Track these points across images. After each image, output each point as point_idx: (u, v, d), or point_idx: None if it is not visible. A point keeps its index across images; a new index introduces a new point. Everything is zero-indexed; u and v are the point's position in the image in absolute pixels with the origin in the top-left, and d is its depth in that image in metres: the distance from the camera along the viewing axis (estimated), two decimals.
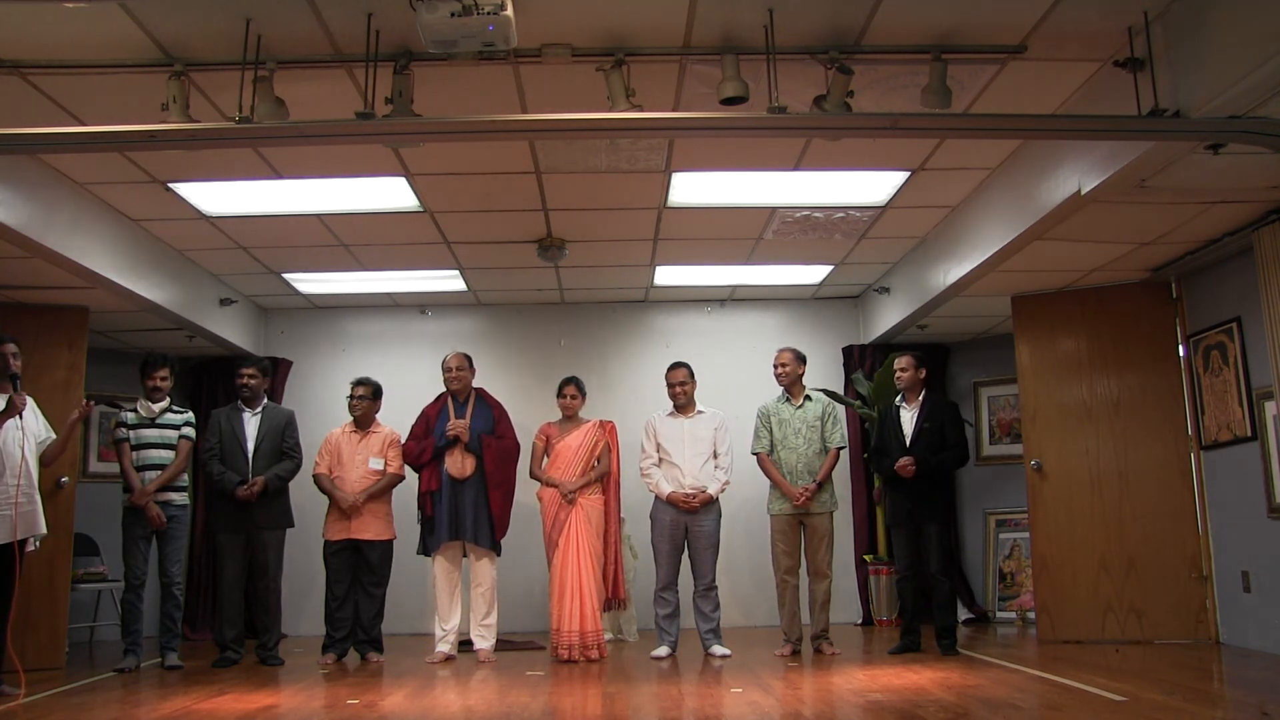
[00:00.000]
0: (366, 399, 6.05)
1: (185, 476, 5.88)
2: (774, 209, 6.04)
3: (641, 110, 3.89)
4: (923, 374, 5.90)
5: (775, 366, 6.05)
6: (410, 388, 6.91)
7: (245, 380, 5.93)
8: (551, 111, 4.29)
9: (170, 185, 5.39)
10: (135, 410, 5.82)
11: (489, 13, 3.34)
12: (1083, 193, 4.55)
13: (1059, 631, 6.23)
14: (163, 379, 5.83)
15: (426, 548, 5.85)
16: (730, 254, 6.99)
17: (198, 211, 5.80)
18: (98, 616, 7.29)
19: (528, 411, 6.87)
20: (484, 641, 5.84)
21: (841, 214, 6.14)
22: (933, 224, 6.37)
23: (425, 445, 5.87)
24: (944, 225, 6.32)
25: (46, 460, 5.09)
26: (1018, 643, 6.35)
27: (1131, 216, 5.14)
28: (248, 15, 3.68)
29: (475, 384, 6.09)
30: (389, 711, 4.15)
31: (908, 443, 5.74)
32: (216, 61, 3.93)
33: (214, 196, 5.62)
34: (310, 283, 7.52)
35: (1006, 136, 4.80)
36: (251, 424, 5.90)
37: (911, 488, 5.69)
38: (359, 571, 5.90)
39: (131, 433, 5.73)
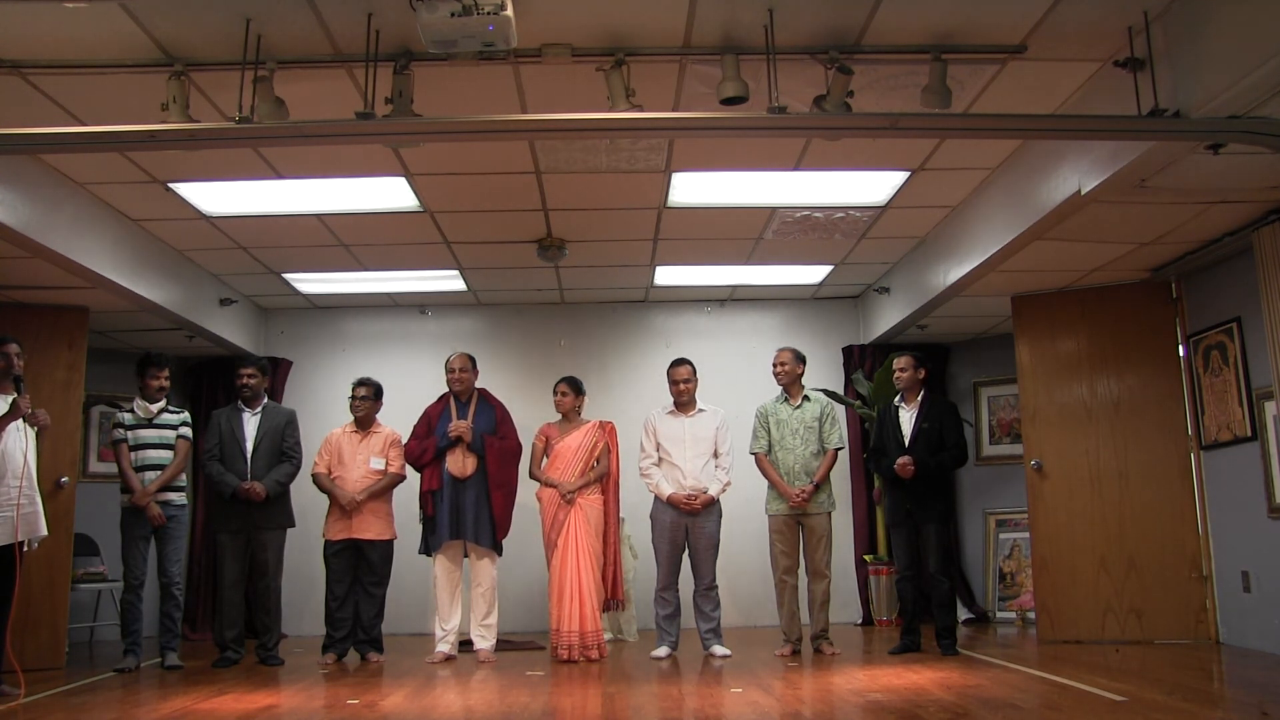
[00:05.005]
0: (368, 399, 6.05)
1: (184, 476, 5.88)
2: (774, 209, 6.04)
3: (641, 110, 3.89)
4: (922, 374, 5.89)
5: (774, 366, 6.04)
6: (410, 388, 6.92)
7: (245, 380, 5.93)
8: (551, 111, 4.30)
9: (170, 185, 5.39)
10: (132, 410, 5.81)
11: (489, 13, 3.34)
12: (1083, 193, 4.55)
13: (1059, 631, 6.23)
14: (165, 378, 5.83)
15: (428, 547, 5.85)
16: (730, 254, 6.99)
17: (198, 211, 5.80)
18: (98, 616, 7.29)
19: (528, 412, 6.87)
20: (484, 641, 5.84)
21: (841, 214, 6.14)
22: (933, 224, 6.37)
23: (427, 445, 5.86)
24: (944, 225, 6.32)
25: None
26: (1018, 643, 6.35)
27: (1131, 216, 5.14)
28: (248, 15, 3.68)
29: (477, 384, 6.09)
30: (389, 711, 4.15)
31: (906, 443, 5.73)
32: (216, 61, 3.93)
33: (214, 196, 5.62)
34: (310, 283, 7.52)
35: (1006, 136, 4.80)
36: (251, 424, 5.89)
37: (911, 488, 5.69)
38: (359, 571, 5.90)
39: (129, 433, 5.73)
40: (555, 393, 6.02)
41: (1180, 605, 6.04)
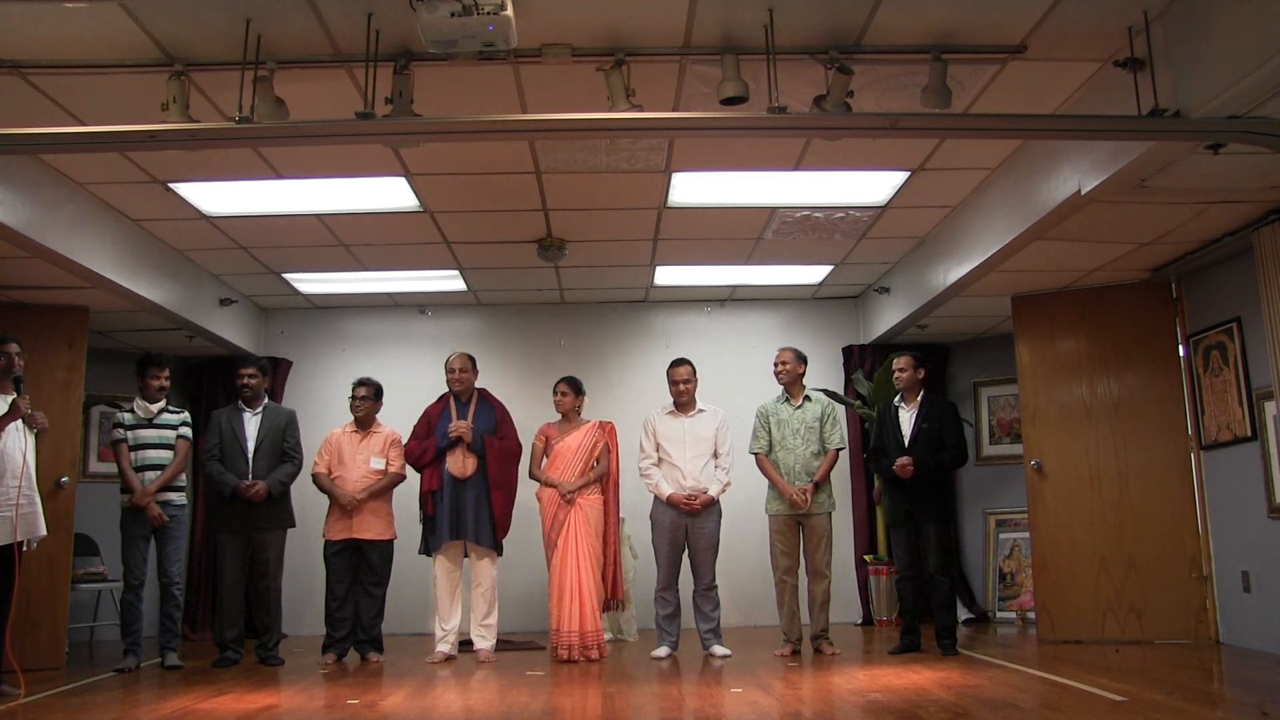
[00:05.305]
0: (369, 399, 6.05)
1: (184, 476, 5.88)
2: (774, 209, 6.04)
3: (641, 110, 3.89)
4: (921, 374, 5.89)
5: (775, 365, 6.04)
6: (410, 388, 6.92)
7: (246, 380, 5.93)
8: (551, 111, 4.29)
9: (170, 185, 5.39)
10: (132, 410, 5.82)
11: (489, 13, 3.34)
12: (1083, 193, 4.55)
13: (1059, 631, 6.23)
14: (166, 378, 5.84)
15: (428, 547, 5.85)
16: (730, 254, 6.99)
17: (198, 211, 5.80)
18: (98, 616, 7.29)
19: (528, 412, 6.87)
20: (484, 641, 5.84)
21: (841, 214, 6.14)
22: (933, 224, 6.37)
23: (427, 445, 5.86)
24: (944, 225, 6.32)
25: None
26: (1018, 643, 6.35)
27: (1131, 216, 5.14)
28: (248, 15, 3.68)
29: (477, 384, 6.09)
30: (389, 711, 4.15)
31: (906, 443, 5.73)
32: (216, 61, 3.93)
33: (214, 196, 5.62)
34: (310, 283, 7.52)
35: (1006, 136, 4.80)
36: (252, 424, 5.89)
37: (910, 488, 5.69)
38: (359, 571, 5.90)
39: (129, 433, 5.73)
40: (555, 393, 6.02)
41: (1180, 605, 6.04)
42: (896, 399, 5.95)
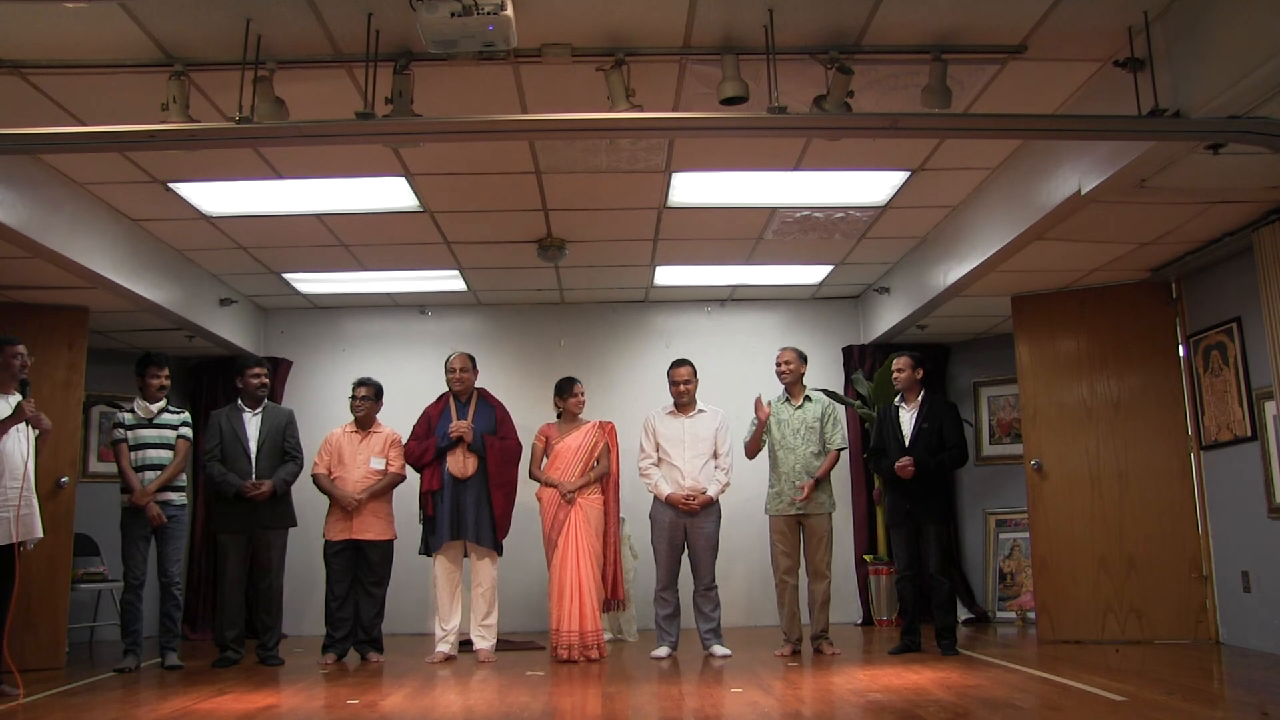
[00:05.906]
0: (369, 399, 6.05)
1: (184, 476, 5.89)
2: (774, 209, 6.04)
3: (641, 110, 3.89)
4: (920, 374, 5.89)
5: (778, 365, 6.04)
6: (410, 388, 6.92)
7: (261, 380, 5.94)
8: (551, 111, 4.30)
9: (170, 185, 5.39)
10: (133, 410, 5.82)
11: (489, 13, 3.34)
12: (1083, 193, 4.55)
13: (1059, 631, 6.23)
14: (166, 378, 5.85)
15: (428, 547, 5.85)
16: (730, 254, 6.99)
17: (198, 211, 5.80)
18: (98, 616, 7.29)
19: (528, 412, 6.88)
20: (484, 641, 5.84)
21: (841, 214, 6.14)
22: (933, 224, 6.37)
23: (427, 445, 5.87)
24: (944, 225, 6.32)
25: None
26: (1018, 643, 6.35)
27: (1131, 216, 5.14)
28: (248, 15, 3.68)
29: (477, 384, 6.09)
30: (389, 711, 4.15)
31: (906, 443, 5.74)
32: (216, 61, 3.93)
33: (214, 196, 5.62)
34: (310, 283, 7.52)
35: (1006, 136, 4.80)
36: (253, 424, 5.90)
37: (910, 488, 5.69)
38: (360, 571, 5.90)
39: (129, 433, 5.73)
40: (574, 393, 5.97)
41: (1180, 605, 6.04)
42: (897, 399, 5.96)
